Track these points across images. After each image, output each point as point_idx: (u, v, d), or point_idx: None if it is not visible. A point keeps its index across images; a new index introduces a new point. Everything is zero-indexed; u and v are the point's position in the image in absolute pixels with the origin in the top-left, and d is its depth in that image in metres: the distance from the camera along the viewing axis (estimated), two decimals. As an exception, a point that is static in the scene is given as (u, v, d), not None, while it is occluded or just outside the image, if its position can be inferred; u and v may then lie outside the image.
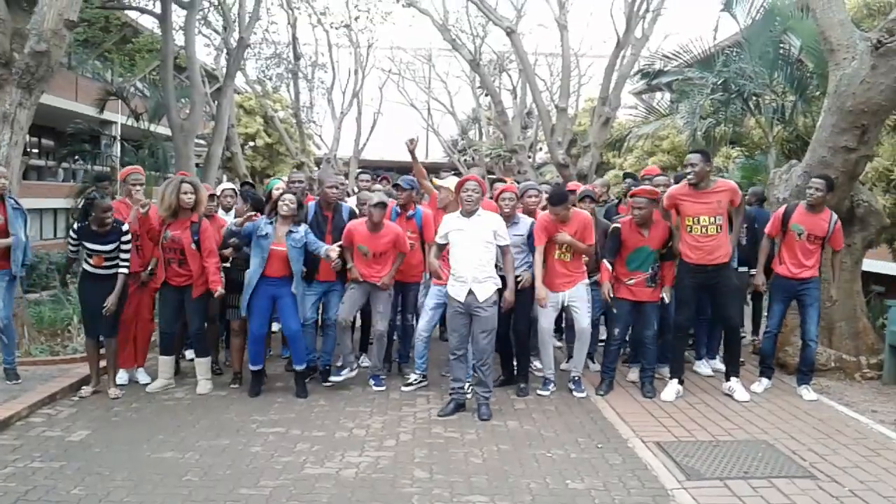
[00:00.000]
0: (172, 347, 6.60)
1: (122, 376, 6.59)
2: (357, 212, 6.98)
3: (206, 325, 6.74)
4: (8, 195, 6.37)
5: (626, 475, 4.73)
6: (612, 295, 6.42)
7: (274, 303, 6.28)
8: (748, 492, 4.45)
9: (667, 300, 6.50)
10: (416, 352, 6.72)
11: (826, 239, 6.45)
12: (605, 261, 6.43)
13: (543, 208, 6.72)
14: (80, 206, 7.07)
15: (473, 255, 5.78)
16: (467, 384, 6.21)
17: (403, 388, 6.59)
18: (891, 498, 4.38)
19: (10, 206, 6.33)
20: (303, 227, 6.30)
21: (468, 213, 5.85)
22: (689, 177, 6.24)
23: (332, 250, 6.14)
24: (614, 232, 6.42)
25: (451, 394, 6.05)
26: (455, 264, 5.86)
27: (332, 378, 6.63)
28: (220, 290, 6.26)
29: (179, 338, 6.89)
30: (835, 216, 6.47)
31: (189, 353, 7.11)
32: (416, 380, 6.66)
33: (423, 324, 6.60)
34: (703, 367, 7.32)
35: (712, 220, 6.18)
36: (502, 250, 5.94)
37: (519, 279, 6.20)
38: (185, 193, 6.22)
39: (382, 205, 6.36)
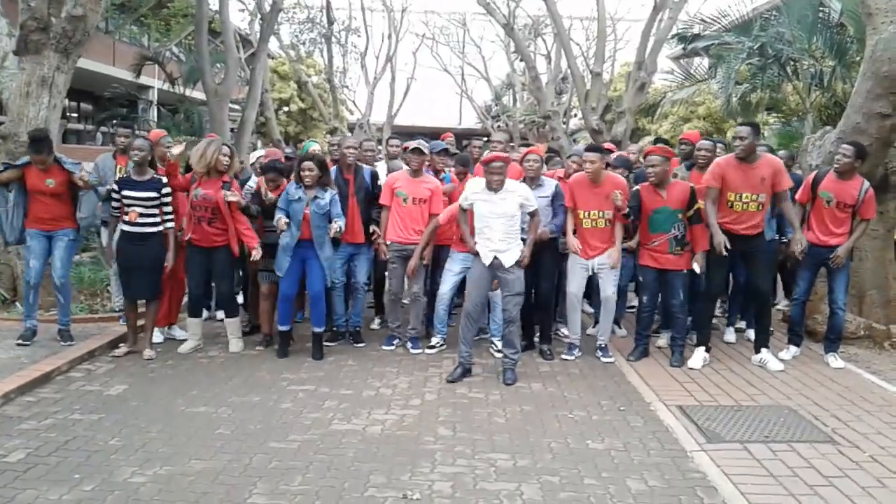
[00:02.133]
0: (201, 309, 6.72)
1: (157, 336, 6.77)
2: (378, 176, 7.09)
3: (242, 286, 6.90)
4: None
5: (646, 437, 4.81)
6: (637, 263, 6.45)
7: (304, 265, 6.39)
8: (768, 455, 4.49)
9: (697, 270, 6.40)
10: (437, 317, 6.80)
11: (856, 207, 6.35)
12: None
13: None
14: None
15: (498, 226, 5.81)
16: (496, 343, 6.37)
17: (427, 351, 6.70)
18: (911, 463, 4.40)
19: (68, 165, 6.43)
20: (329, 194, 6.35)
21: (493, 190, 5.83)
22: (737, 150, 6.15)
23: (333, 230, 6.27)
24: (634, 194, 6.42)
25: (459, 355, 6.07)
26: (479, 232, 5.90)
27: (385, 347, 6.83)
28: (257, 248, 6.33)
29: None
30: (867, 184, 6.36)
31: (219, 314, 7.28)
32: (438, 343, 6.77)
33: (445, 289, 6.65)
34: (730, 334, 7.33)
35: (754, 196, 6.11)
36: (530, 214, 5.98)
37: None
38: (225, 155, 6.35)
39: (419, 150, 6.59)
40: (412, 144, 6.83)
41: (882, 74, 6.57)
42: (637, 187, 6.47)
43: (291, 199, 6.27)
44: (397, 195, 6.62)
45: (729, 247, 6.09)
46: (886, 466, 4.36)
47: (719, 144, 7.51)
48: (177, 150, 6.39)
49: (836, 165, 6.36)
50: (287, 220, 6.21)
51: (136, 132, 16.96)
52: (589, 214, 6.36)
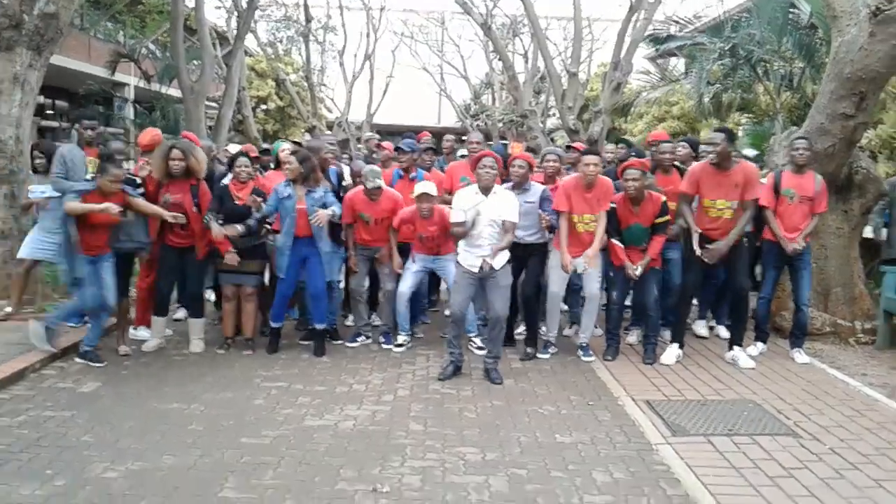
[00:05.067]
0: (167, 308, 6.72)
1: (142, 333, 6.77)
2: (344, 175, 7.18)
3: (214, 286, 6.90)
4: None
5: (613, 430, 4.91)
6: (609, 260, 6.52)
7: (303, 262, 6.41)
8: (731, 448, 4.61)
9: (635, 273, 6.31)
10: (399, 315, 6.77)
11: (812, 199, 6.49)
12: (613, 240, 6.37)
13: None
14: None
15: (491, 232, 5.79)
16: (477, 341, 6.52)
17: (395, 350, 6.73)
18: (869, 455, 4.53)
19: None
20: (321, 189, 6.39)
21: (485, 190, 5.84)
22: (710, 156, 6.21)
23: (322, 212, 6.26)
24: (611, 211, 6.35)
25: (449, 355, 6.07)
26: (470, 238, 5.84)
27: (348, 344, 6.85)
28: (231, 253, 6.32)
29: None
30: (819, 177, 6.53)
31: (181, 314, 7.29)
32: (405, 341, 6.81)
33: (404, 287, 6.65)
34: (702, 328, 7.45)
35: (729, 204, 6.16)
36: (504, 226, 5.83)
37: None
38: (174, 160, 6.26)
39: (378, 189, 6.58)
40: (403, 145, 7.17)
41: (845, 76, 6.72)
42: (613, 203, 6.35)
43: (282, 197, 6.30)
44: (361, 217, 6.68)
45: (698, 250, 6.19)
46: (845, 458, 4.49)
47: (681, 144, 7.54)
48: (144, 172, 6.47)
49: (797, 160, 6.51)
50: (258, 199, 6.24)
51: (108, 129, 16.94)
52: (582, 218, 6.32)
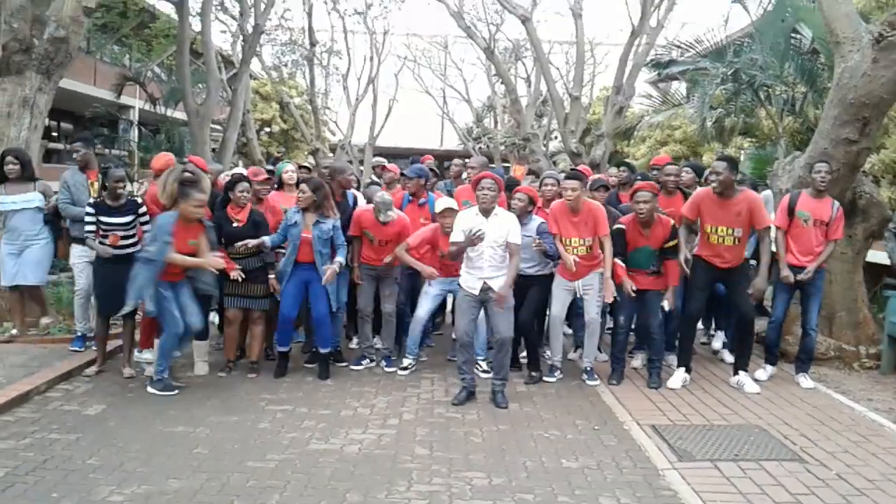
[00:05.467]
0: None
1: (147, 356, 6.68)
2: (359, 200, 7.22)
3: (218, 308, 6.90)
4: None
5: (619, 455, 4.89)
6: (616, 283, 6.51)
7: (306, 287, 6.40)
8: (737, 473, 4.59)
9: (666, 307, 6.44)
10: (412, 338, 6.78)
11: (828, 224, 6.49)
12: (617, 259, 6.35)
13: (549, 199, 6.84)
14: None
15: (491, 254, 5.81)
16: (483, 364, 6.49)
17: (400, 372, 6.72)
18: (875, 481, 4.52)
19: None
20: (331, 221, 6.39)
21: (486, 212, 5.85)
22: (713, 185, 6.25)
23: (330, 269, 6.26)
24: (619, 232, 6.37)
25: (461, 381, 6.03)
26: (470, 260, 5.88)
27: (353, 367, 6.84)
28: (236, 271, 6.33)
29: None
30: (837, 203, 6.54)
31: None
32: (410, 364, 6.79)
33: (422, 312, 6.67)
34: (717, 341, 7.57)
35: (730, 231, 6.18)
36: (509, 249, 5.86)
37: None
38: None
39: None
40: (408, 171, 7.20)
41: (848, 101, 6.76)
42: (622, 225, 6.40)
43: (289, 224, 6.33)
44: (365, 235, 6.70)
45: (686, 270, 6.28)
46: (853, 484, 4.48)
47: (686, 169, 7.59)
48: (143, 189, 6.47)
49: (819, 185, 6.51)
50: (249, 246, 6.22)
51: (114, 152, 17.04)
52: (570, 242, 6.35)
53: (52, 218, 7.03)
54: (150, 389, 5.96)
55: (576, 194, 6.25)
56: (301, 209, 6.34)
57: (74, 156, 7.21)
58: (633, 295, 6.32)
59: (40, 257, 7.02)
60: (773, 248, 6.61)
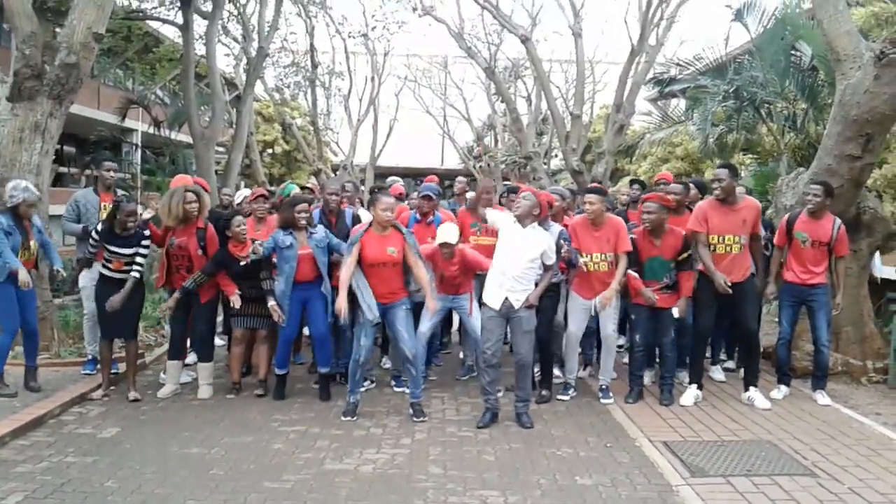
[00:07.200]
0: (179, 352, 6.71)
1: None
2: (361, 218, 7.22)
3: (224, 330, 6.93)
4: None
5: (633, 472, 4.92)
6: (630, 302, 6.55)
7: (304, 307, 6.41)
8: (750, 488, 4.62)
9: (676, 314, 6.40)
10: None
11: (830, 244, 6.53)
12: (630, 271, 6.33)
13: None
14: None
15: (518, 268, 5.72)
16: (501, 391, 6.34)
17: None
18: (888, 495, 4.54)
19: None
20: (320, 228, 6.46)
21: (523, 223, 5.77)
22: (716, 192, 6.31)
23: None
24: (631, 242, 6.36)
25: (485, 402, 5.96)
26: (496, 269, 5.82)
27: (397, 389, 6.83)
28: (236, 296, 6.37)
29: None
30: (838, 221, 6.56)
31: (191, 358, 7.14)
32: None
33: (424, 328, 6.52)
34: (718, 373, 7.46)
35: (738, 238, 6.25)
36: (545, 266, 5.86)
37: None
38: (189, 203, 6.35)
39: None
40: (430, 192, 7.17)
41: (851, 118, 6.83)
42: (633, 235, 6.42)
43: (282, 248, 6.28)
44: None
45: (728, 288, 6.18)
46: (865, 498, 4.50)
47: (691, 186, 7.62)
48: (147, 214, 6.51)
49: (808, 206, 6.55)
50: (262, 244, 6.24)
51: (118, 175, 17.11)
52: (592, 258, 6.34)
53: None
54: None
55: (594, 208, 6.25)
56: (288, 230, 6.30)
57: (107, 177, 7.33)
58: (655, 302, 6.31)
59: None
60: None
